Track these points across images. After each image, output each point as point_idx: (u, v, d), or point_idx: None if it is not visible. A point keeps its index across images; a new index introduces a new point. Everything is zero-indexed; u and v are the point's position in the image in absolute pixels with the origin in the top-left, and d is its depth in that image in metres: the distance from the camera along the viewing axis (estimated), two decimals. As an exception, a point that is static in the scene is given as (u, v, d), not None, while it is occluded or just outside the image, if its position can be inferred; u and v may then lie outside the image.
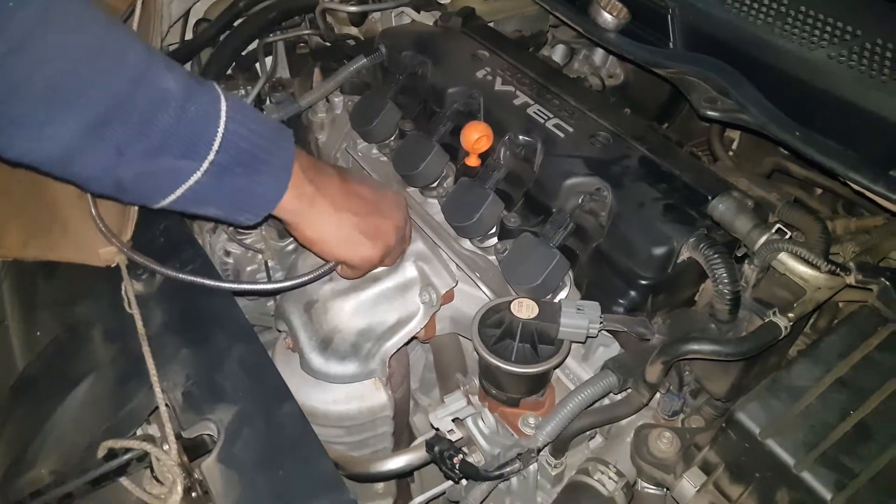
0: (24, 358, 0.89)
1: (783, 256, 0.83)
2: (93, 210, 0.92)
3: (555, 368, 0.85)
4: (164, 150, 0.72)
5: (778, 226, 0.85)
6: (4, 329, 0.94)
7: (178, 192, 0.76)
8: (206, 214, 0.83)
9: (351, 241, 0.91)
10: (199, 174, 0.75)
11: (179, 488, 0.69)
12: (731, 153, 1.27)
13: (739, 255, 0.90)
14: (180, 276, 0.90)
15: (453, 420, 0.89)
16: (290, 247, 1.18)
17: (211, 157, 0.75)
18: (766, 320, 0.80)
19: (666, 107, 1.39)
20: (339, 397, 1.01)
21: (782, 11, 0.97)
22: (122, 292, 0.87)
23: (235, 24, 1.43)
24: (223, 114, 0.76)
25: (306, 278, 0.98)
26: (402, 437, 1.17)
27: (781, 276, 0.85)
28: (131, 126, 0.70)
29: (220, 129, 0.75)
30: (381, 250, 0.94)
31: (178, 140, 0.73)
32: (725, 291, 0.83)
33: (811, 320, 0.96)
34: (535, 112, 1.08)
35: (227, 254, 1.21)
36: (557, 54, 1.51)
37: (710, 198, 0.90)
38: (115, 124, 0.69)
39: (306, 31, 1.53)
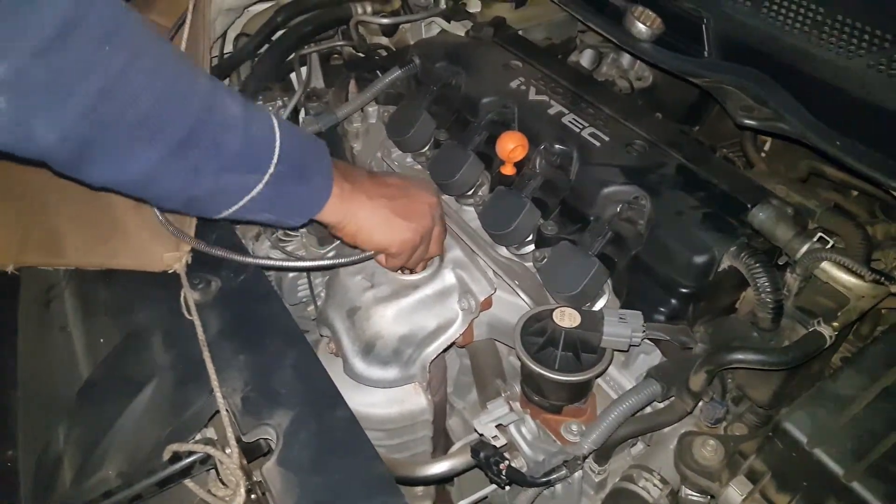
0: (87, 363, 0.92)
1: (826, 265, 0.85)
2: (158, 214, 0.96)
3: (598, 377, 0.86)
4: (233, 167, 0.79)
5: (820, 234, 0.86)
6: (67, 335, 0.97)
7: (241, 202, 0.83)
8: (258, 220, 0.91)
9: (388, 224, 0.96)
10: (261, 185, 0.82)
11: (242, 490, 0.72)
12: (763, 154, 1.28)
13: (780, 263, 0.91)
14: (239, 257, 0.96)
15: (496, 426, 0.90)
16: (331, 254, 1.20)
17: (272, 169, 0.82)
18: (811, 330, 0.81)
19: (695, 108, 1.39)
20: (380, 401, 1.04)
21: (819, 20, 0.98)
22: (181, 299, 0.90)
23: (274, 37, 1.45)
24: (277, 129, 0.83)
25: (348, 260, 1.02)
26: (439, 440, 1.19)
27: (824, 284, 0.87)
28: (205, 149, 0.76)
29: (278, 144, 0.82)
30: (419, 231, 0.98)
31: (245, 157, 0.80)
32: (768, 300, 0.84)
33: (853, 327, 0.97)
34: (569, 121, 1.10)
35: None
36: (586, 59, 1.53)
37: (749, 206, 0.91)
38: (191, 149, 0.75)
39: (340, 43, 1.56)
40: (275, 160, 0.82)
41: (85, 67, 0.66)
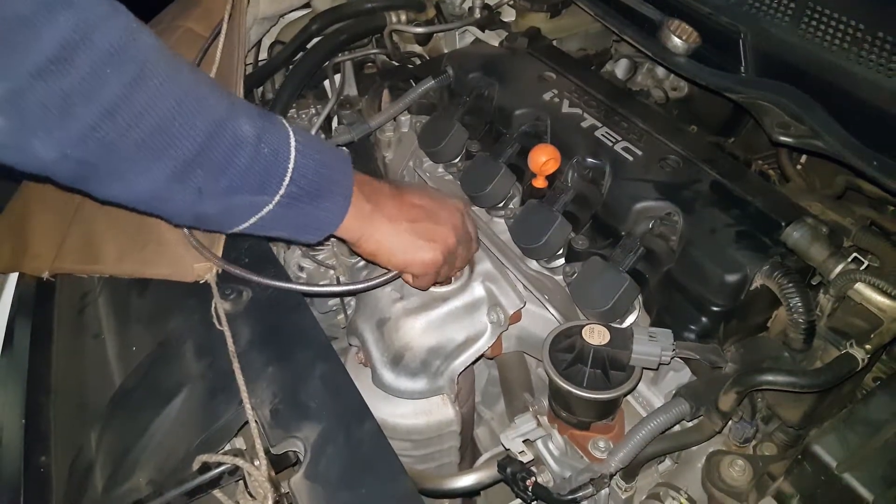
0: (120, 371, 0.94)
1: (859, 286, 0.83)
2: (185, 229, 0.97)
3: (626, 395, 0.86)
4: (241, 188, 0.78)
5: (854, 255, 0.85)
6: (101, 342, 0.99)
7: (251, 220, 0.82)
8: (273, 236, 0.89)
9: (409, 247, 0.94)
10: (271, 206, 0.81)
11: (270, 502, 0.72)
12: (798, 167, 1.26)
13: (814, 283, 0.89)
14: (265, 281, 0.96)
15: (523, 441, 0.90)
16: (360, 263, 1.21)
17: (282, 190, 0.81)
18: (843, 352, 0.80)
19: (731, 120, 1.38)
20: (408, 412, 1.04)
21: (858, 37, 0.96)
22: (213, 309, 0.91)
23: (308, 45, 1.47)
24: (293, 149, 0.81)
25: (371, 283, 1.02)
26: (466, 450, 1.19)
27: (858, 305, 0.85)
28: (212, 169, 0.75)
29: (291, 165, 0.81)
30: (441, 253, 0.96)
31: (253, 178, 0.78)
32: (800, 321, 0.83)
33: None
34: (603, 135, 1.09)
35: (301, 269, 1.26)
36: (621, 68, 1.52)
37: (783, 224, 0.90)
38: (197, 169, 0.74)
39: (374, 51, 1.57)
40: (286, 181, 0.80)
41: (85, 89, 0.65)
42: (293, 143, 0.81)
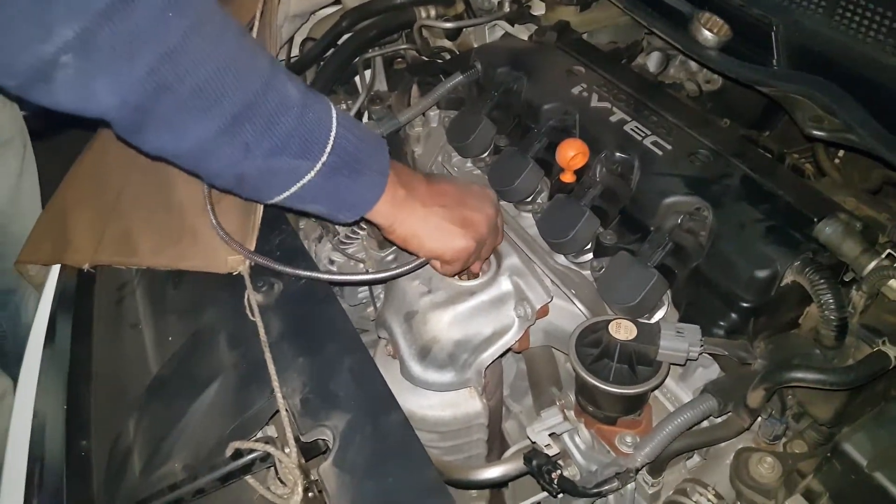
0: (156, 359, 0.97)
1: (893, 283, 0.82)
2: (213, 220, 1.00)
3: (653, 390, 0.86)
4: (285, 149, 0.79)
5: (889, 251, 0.83)
6: (138, 332, 1.02)
7: (293, 189, 0.83)
8: (310, 211, 0.90)
9: (442, 232, 0.95)
10: (312, 174, 0.82)
11: (300, 489, 0.74)
12: (837, 161, 1.24)
13: (846, 279, 0.88)
14: (298, 272, 0.98)
15: (550, 434, 0.91)
16: (390, 257, 1.23)
17: (324, 158, 0.82)
18: (875, 349, 0.79)
19: (766, 113, 1.35)
20: (436, 403, 1.05)
21: (894, 28, 0.95)
22: (245, 301, 0.94)
23: (339, 42, 1.49)
24: (334, 120, 0.83)
25: (399, 271, 1.03)
26: (494, 443, 1.20)
27: (891, 302, 0.84)
28: (259, 126, 0.77)
29: (333, 133, 0.82)
30: (473, 239, 0.97)
31: (297, 141, 0.80)
32: (832, 318, 0.82)
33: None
34: (632, 129, 1.09)
35: (331, 262, 1.27)
36: (653, 61, 1.50)
37: (815, 220, 0.89)
38: (245, 124, 0.76)
39: (403, 46, 1.58)
40: (328, 149, 0.82)
41: (148, 31, 0.67)
42: (334, 115, 0.83)
